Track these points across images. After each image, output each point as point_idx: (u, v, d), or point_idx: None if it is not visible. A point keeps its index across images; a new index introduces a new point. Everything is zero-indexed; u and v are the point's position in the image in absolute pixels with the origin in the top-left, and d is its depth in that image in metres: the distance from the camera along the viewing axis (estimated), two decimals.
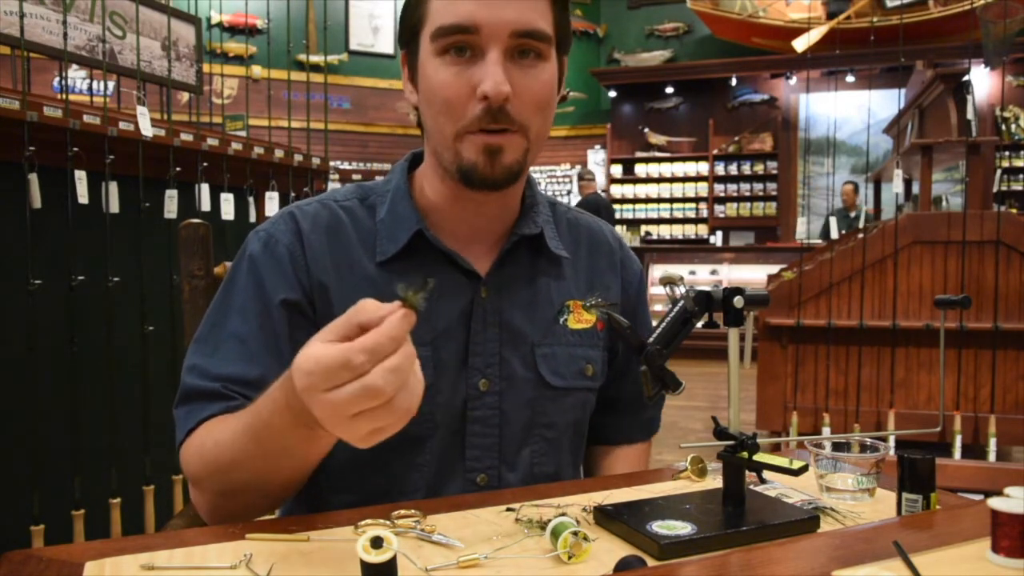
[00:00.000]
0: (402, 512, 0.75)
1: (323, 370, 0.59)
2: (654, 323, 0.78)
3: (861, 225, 5.76)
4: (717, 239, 8.61)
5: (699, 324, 0.79)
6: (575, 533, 0.66)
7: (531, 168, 0.94)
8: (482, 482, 0.91)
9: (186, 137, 2.56)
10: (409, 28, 0.89)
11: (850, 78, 7.79)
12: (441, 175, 0.91)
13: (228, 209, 2.74)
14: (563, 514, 0.73)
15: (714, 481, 0.89)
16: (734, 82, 8.61)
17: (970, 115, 3.89)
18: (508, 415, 0.92)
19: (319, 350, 0.60)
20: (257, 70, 6.45)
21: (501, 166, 0.85)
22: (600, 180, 9.10)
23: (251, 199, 2.94)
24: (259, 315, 0.88)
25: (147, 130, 2.34)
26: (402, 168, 0.98)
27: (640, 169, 8.95)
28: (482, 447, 0.91)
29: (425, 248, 0.91)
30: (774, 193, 8.61)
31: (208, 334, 0.90)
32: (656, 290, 7.87)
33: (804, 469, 0.78)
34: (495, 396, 0.91)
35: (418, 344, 0.88)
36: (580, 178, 7.31)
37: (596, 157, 9.20)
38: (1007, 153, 7.43)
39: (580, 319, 0.78)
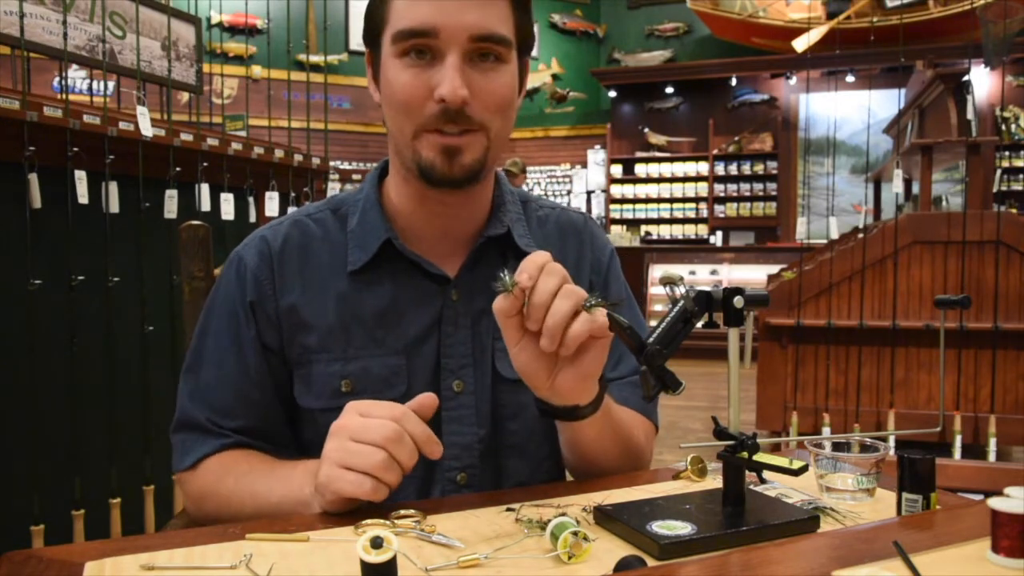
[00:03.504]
0: (402, 512, 0.75)
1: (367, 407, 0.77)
2: (653, 323, 0.78)
3: None
4: (717, 239, 8.60)
5: (699, 324, 0.79)
6: (575, 533, 0.66)
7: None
8: (462, 481, 0.92)
9: (186, 137, 2.56)
10: (372, 29, 0.90)
11: (850, 78, 7.78)
12: (404, 176, 0.93)
13: (228, 209, 2.74)
14: (563, 514, 0.73)
15: (714, 481, 0.88)
16: (734, 82, 8.60)
17: (970, 115, 3.89)
18: (485, 414, 0.94)
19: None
20: (257, 70, 6.45)
21: (460, 166, 0.87)
22: (600, 180, 9.10)
23: (251, 199, 2.94)
24: (233, 348, 0.93)
25: (147, 130, 2.34)
26: (372, 177, 1.00)
27: (640, 169, 8.95)
28: (460, 446, 0.92)
29: (394, 256, 0.93)
30: (774, 193, 8.61)
31: (192, 363, 0.95)
32: (656, 290, 7.91)
33: (804, 469, 0.78)
34: (470, 396, 0.93)
35: (391, 354, 0.90)
36: (523, 171, 6.21)
37: (596, 157, 9.19)
38: (1007, 153, 7.43)
39: None
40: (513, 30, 0.88)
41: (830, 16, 7.74)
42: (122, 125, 2.29)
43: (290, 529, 0.73)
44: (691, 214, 8.81)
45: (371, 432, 0.74)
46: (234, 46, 7.58)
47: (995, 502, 0.59)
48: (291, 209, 3.03)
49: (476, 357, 0.94)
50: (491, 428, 0.94)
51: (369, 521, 0.74)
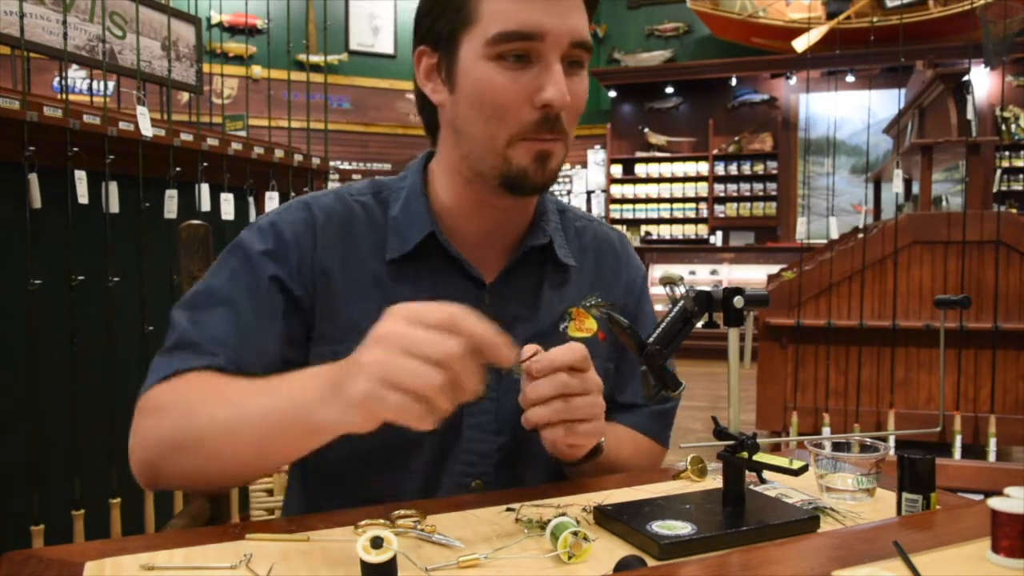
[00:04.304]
0: (402, 512, 0.75)
1: (419, 310, 0.64)
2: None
3: None
4: (717, 239, 8.60)
5: (699, 324, 0.79)
6: (575, 533, 0.66)
7: None
8: (477, 487, 0.92)
9: (186, 137, 2.56)
10: (443, 26, 0.86)
11: (850, 78, 7.78)
12: (466, 179, 0.90)
13: (228, 209, 2.74)
14: (563, 514, 0.73)
15: (714, 481, 0.88)
16: (734, 82, 8.60)
17: (970, 115, 3.89)
18: (506, 422, 0.92)
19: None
20: (257, 70, 6.45)
21: (549, 171, 0.86)
22: (600, 180, 9.09)
23: (251, 199, 2.94)
24: (248, 286, 0.88)
25: (147, 130, 2.34)
26: (418, 167, 0.97)
27: (640, 169, 8.95)
28: (478, 453, 0.91)
29: (434, 251, 0.91)
30: (774, 193, 8.61)
31: (198, 297, 0.88)
32: (656, 290, 7.88)
33: (804, 469, 0.78)
34: (492, 403, 0.91)
35: None
36: None
37: (596, 157, 9.19)
38: (1007, 153, 7.43)
39: (581, 327, 0.79)
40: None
41: (830, 16, 7.73)
42: (122, 125, 2.29)
43: (290, 529, 0.73)
44: (691, 214, 8.81)
45: (430, 346, 0.62)
46: (234, 46, 7.57)
47: (995, 502, 0.59)
48: None
49: None
50: (512, 436, 0.93)
51: (369, 521, 0.74)
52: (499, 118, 0.83)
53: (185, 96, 4.53)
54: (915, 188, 4.70)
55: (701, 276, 7.56)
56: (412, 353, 0.61)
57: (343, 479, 0.89)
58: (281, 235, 0.90)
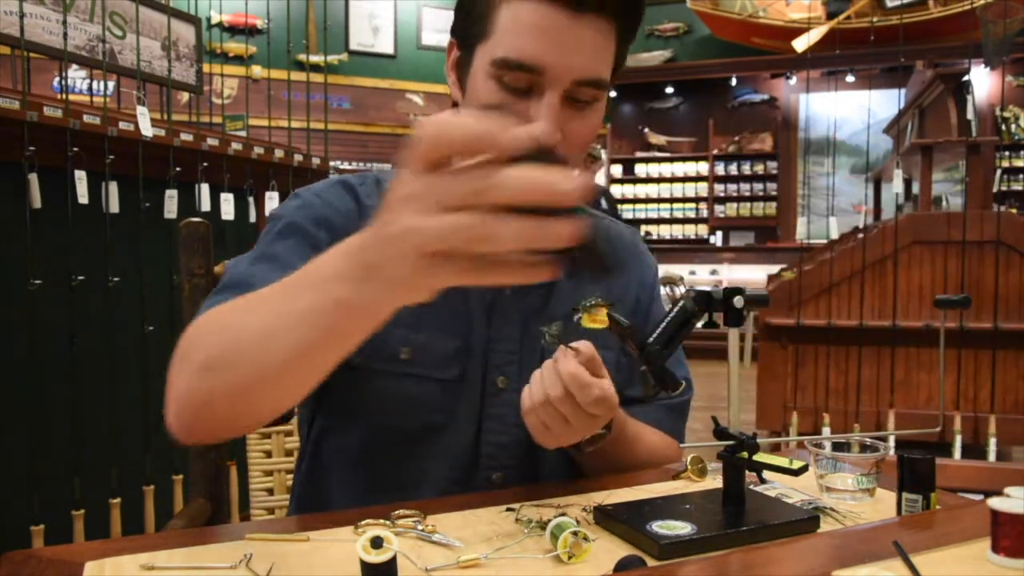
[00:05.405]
0: (402, 512, 0.75)
1: (460, 125, 0.46)
2: None
3: None
4: (717, 239, 8.61)
5: (699, 324, 0.79)
6: (575, 533, 0.66)
7: None
8: (498, 480, 0.91)
9: (186, 137, 2.56)
10: (467, 30, 0.87)
11: (850, 78, 7.78)
12: None
13: (228, 209, 2.73)
14: (563, 514, 0.73)
15: (714, 481, 0.89)
16: (734, 82, 8.60)
17: (970, 115, 3.89)
18: None
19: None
20: (257, 70, 6.44)
21: None
22: (600, 180, 9.10)
23: (251, 199, 2.94)
24: (296, 247, 0.86)
25: (147, 130, 2.34)
26: None
27: (640, 169, 8.95)
28: (498, 445, 0.91)
29: None
30: (774, 193, 8.61)
31: (244, 260, 0.87)
32: None
33: (804, 469, 0.78)
34: (513, 394, 0.90)
35: (453, 336, 0.90)
36: (599, 158, 5.42)
37: None
38: (1007, 153, 7.43)
39: (595, 319, 0.78)
40: (611, 66, 0.86)
41: (830, 16, 7.73)
42: (122, 125, 2.29)
43: (290, 529, 0.73)
44: (691, 214, 8.82)
45: (467, 187, 0.46)
46: (234, 46, 7.57)
47: (995, 502, 0.59)
48: None
49: (524, 356, 0.92)
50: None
51: (369, 521, 0.74)
52: None
53: (185, 96, 4.53)
54: (915, 188, 4.70)
55: (701, 276, 7.57)
56: (448, 205, 0.46)
57: (361, 467, 0.89)
58: (334, 205, 0.90)
